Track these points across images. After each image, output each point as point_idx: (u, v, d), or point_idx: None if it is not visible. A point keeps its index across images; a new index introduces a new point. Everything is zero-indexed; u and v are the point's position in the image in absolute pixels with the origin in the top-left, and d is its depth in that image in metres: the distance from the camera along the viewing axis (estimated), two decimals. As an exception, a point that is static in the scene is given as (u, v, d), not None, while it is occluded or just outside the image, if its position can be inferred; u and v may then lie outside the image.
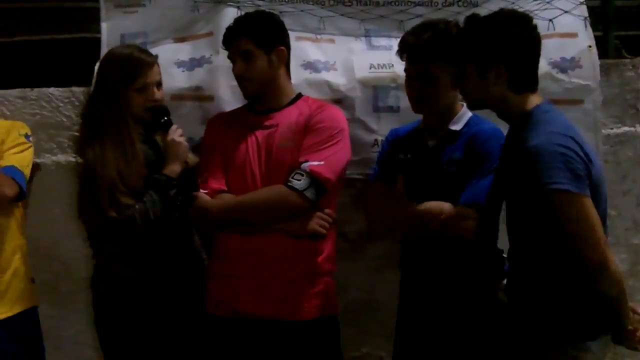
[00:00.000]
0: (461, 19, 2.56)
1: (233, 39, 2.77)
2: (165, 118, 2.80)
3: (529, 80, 2.39)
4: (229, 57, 2.82)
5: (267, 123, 2.77)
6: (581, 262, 2.20)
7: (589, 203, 2.21)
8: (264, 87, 2.77)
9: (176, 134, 2.78)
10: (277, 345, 2.70)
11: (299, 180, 2.63)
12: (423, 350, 2.73)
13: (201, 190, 2.73)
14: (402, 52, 2.70)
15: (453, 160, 2.65)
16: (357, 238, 3.30)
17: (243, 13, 3.08)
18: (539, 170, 2.18)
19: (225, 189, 2.74)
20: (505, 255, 2.70)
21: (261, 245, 2.68)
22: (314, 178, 2.64)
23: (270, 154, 2.72)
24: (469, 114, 2.72)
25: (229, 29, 2.80)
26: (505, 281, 2.67)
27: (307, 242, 2.71)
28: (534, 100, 2.38)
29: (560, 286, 2.29)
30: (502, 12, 2.44)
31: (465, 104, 2.66)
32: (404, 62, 2.72)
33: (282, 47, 2.78)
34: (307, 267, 2.71)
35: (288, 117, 2.77)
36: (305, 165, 2.65)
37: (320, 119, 2.75)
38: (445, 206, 2.61)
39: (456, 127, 2.70)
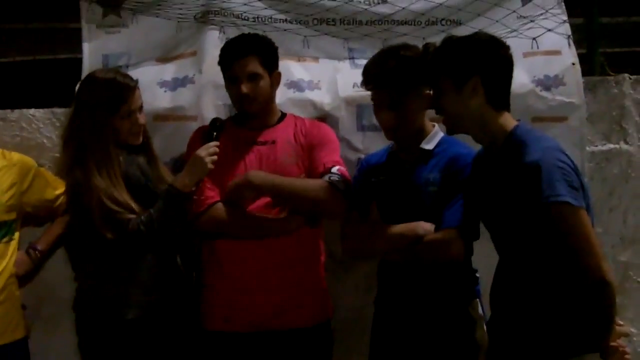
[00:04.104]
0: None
1: (240, 56, 2.77)
2: (215, 133, 2.77)
3: (506, 97, 2.40)
4: (229, 75, 2.81)
5: (262, 139, 2.83)
6: (580, 274, 2.19)
7: (586, 216, 2.23)
8: (263, 107, 2.83)
9: (207, 151, 2.71)
10: (286, 354, 2.77)
11: (338, 180, 2.71)
12: None
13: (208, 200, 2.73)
14: (368, 82, 2.70)
15: (430, 180, 2.64)
16: (345, 258, 3.28)
17: (225, 34, 3.14)
18: (540, 184, 2.19)
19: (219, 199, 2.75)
20: (478, 275, 2.70)
21: (266, 250, 2.72)
22: (347, 181, 2.75)
23: (274, 168, 2.76)
24: (441, 134, 2.71)
25: (233, 46, 2.82)
26: (477, 300, 2.68)
27: (310, 245, 2.81)
28: (512, 121, 2.38)
29: (560, 299, 2.27)
30: (478, 33, 2.54)
31: (436, 124, 2.68)
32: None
33: (279, 71, 2.87)
34: (311, 270, 2.81)
35: (284, 134, 2.84)
36: (335, 169, 2.74)
37: (325, 133, 2.89)
38: (427, 226, 2.59)
39: (428, 146, 2.69)
